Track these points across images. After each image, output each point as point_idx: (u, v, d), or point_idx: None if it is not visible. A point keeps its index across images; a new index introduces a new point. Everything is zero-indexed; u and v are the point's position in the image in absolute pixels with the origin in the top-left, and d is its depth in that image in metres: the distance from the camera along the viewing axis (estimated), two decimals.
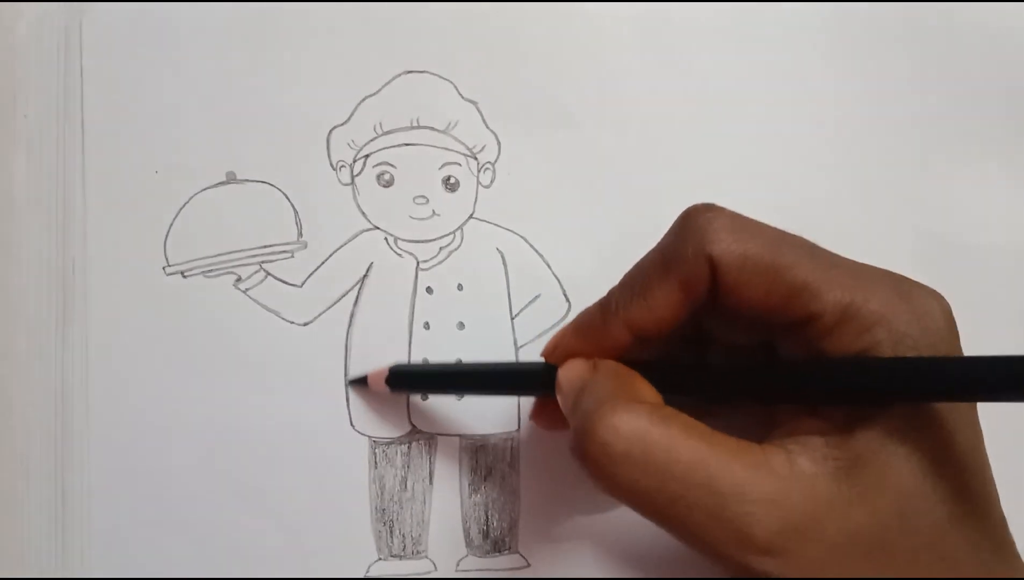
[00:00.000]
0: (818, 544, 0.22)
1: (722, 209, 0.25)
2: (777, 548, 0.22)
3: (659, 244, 0.27)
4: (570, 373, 0.27)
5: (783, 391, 0.25)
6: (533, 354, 0.34)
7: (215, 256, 0.33)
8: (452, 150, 0.34)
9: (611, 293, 0.28)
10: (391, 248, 0.34)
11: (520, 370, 0.32)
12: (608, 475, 0.23)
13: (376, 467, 0.34)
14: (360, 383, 0.33)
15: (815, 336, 0.24)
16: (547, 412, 0.31)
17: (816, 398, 0.24)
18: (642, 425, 0.23)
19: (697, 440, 0.23)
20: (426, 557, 0.34)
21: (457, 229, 0.34)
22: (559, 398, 0.28)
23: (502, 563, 0.34)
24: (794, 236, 0.25)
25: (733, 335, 0.27)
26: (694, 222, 0.25)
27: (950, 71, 0.35)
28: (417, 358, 0.34)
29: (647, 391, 0.25)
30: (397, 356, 0.34)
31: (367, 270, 0.34)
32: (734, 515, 0.22)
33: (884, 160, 0.35)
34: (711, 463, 0.23)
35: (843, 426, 0.23)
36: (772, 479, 0.23)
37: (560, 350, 0.29)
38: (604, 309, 0.27)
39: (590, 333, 0.28)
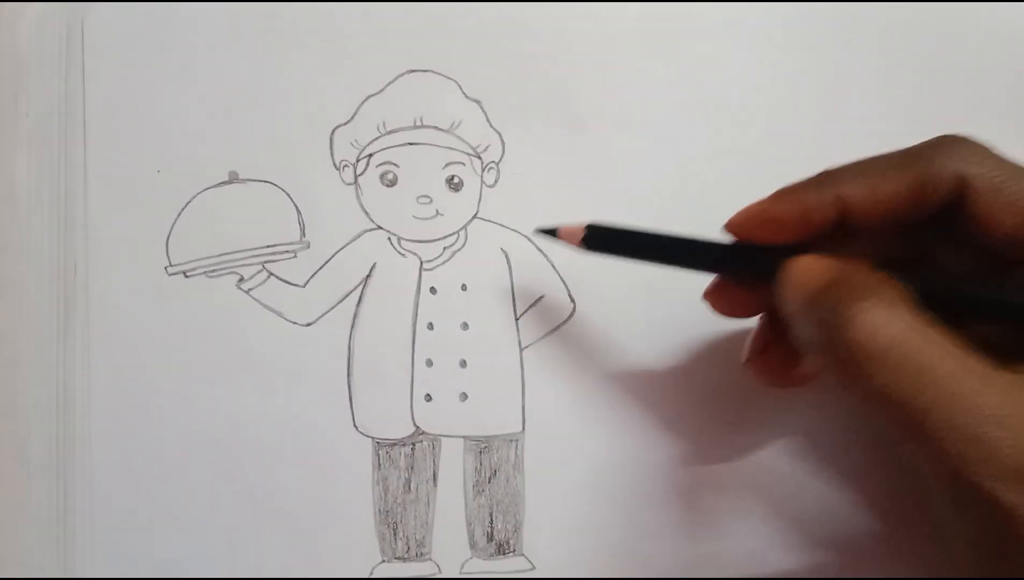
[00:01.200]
0: None
1: (979, 140, 0.25)
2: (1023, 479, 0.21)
3: (905, 148, 0.26)
4: (810, 265, 0.25)
5: None
6: (537, 354, 0.34)
7: (217, 256, 0.33)
8: (456, 149, 0.34)
9: (829, 167, 0.26)
10: (394, 248, 0.34)
11: (715, 246, 0.29)
12: (861, 374, 0.22)
13: (380, 469, 0.33)
14: (548, 233, 0.31)
15: None
16: (726, 295, 0.29)
17: None
18: (902, 329, 0.22)
19: (956, 356, 0.22)
20: (430, 559, 0.34)
21: (461, 229, 0.34)
22: (786, 291, 0.26)
23: (506, 566, 0.34)
24: None
25: (964, 265, 0.26)
26: (952, 142, 0.25)
27: (952, 72, 0.35)
28: (420, 360, 0.34)
29: (904, 293, 0.24)
30: (399, 357, 0.33)
31: (370, 270, 0.34)
32: (989, 438, 0.21)
33: None
34: (969, 381, 0.22)
35: None
36: (1022, 406, 0.22)
37: (753, 216, 0.27)
38: (820, 176, 0.26)
39: (794, 197, 0.26)
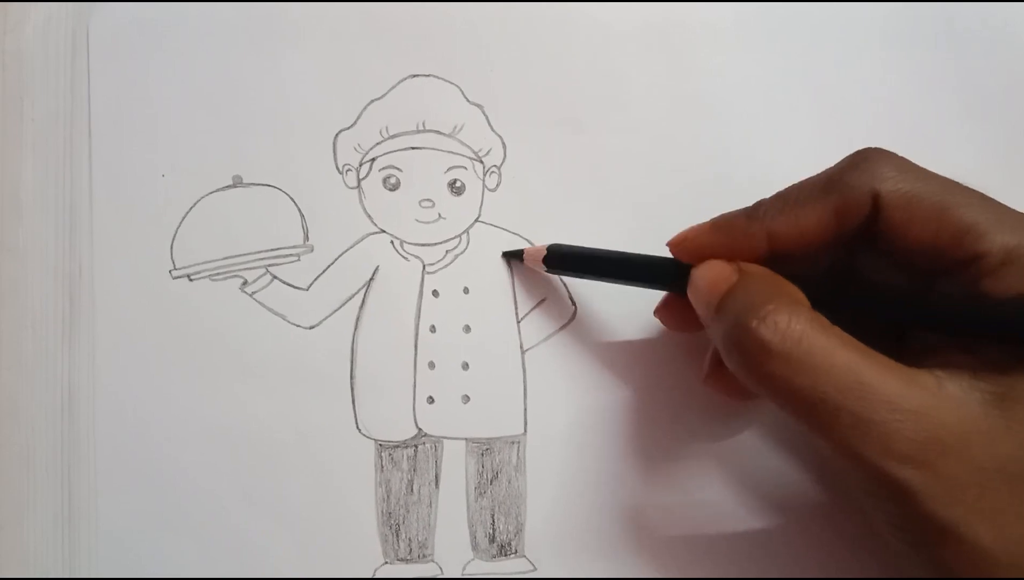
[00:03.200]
0: (961, 463, 0.23)
1: (894, 154, 0.26)
2: (920, 459, 0.23)
3: (824, 172, 0.27)
4: (710, 272, 0.28)
5: (941, 320, 0.25)
6: (538, 356, 0.34)
7: (221, 260, 0.33)
8: (458, 153, 0.34)
9: (760, 201, 0.28)
10: (397, 251, 0.34)
11: (650, 263, 0.31)
12: (764, 371, 0.24)
13: (382, 470, 0.34)
14: (515, 257, 0.33)
15: (977, 276, 0.24)
16: (674, 310, 0.31)
17: (974, 331, 0.25)
18: (803, 326, 0.24)
19: (852, 350, 0.24)
20: (432, 561, 0.34)
21: (463, 232, 0.34)
22: (692, 296, 0.28)
23: (508, 567, 0.34)
24: (962, 184, 0.26)
25: (887, 276, 0.28)
26: (865, 159, 0.26)
27: (951, 71, 0.35)
28: (423, 362, 0.34)
29: (802, 297, 0.26)
30: (402, 360, 0.34)
31: (373, 273, 0.34)
32: (882, 422, 0.23)
33: None
34: (865, 371, 0.23)
35: (993, 363, 0.24)
36: (922, 395, 0.23)
37: (691, 242, 0.29)
38: (750, 213, 0.28)
39: (728, 231, 0.28)
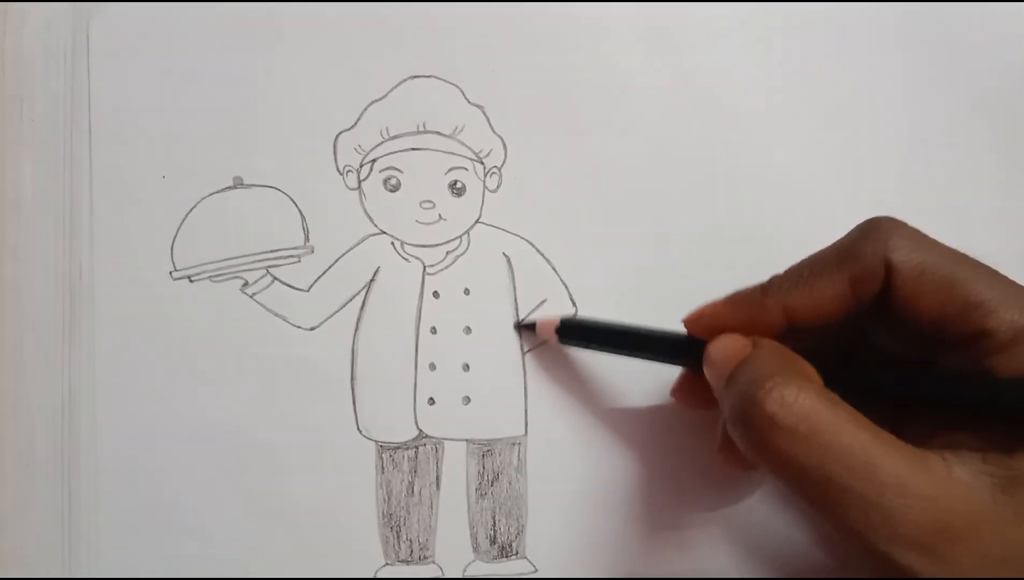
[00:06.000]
0: (971, 552, 0.22)
1: (905, 223, 0.26)
2: (928, 546, 0.22)
3: (835, 243, 0.27)
4: (726, 345, 0.27)
5: (947, 397, 0.25)
6: (539, 357, 0.34)
7: (222, 261, 0.33)
8: (459, 155, 0.34)
9: (774, 277, 0.28)
10: (398, 252, 0.34)
11: (666, 338, 0.31)
12: (770, 447, 0.23)
13: (383, 472, 0.34)
14: (528, 328, 0.33)
15: (985, 353, 0.24)
16: (691, 389, 0.31)
17: (983, 411, 0.24)
18: (811, 403, 0.23)
19: (861, 429, 0.23)
20: (433, 562, 0.34)
21: (464, 233, 0.34)
22: (707, 370, 0.28)
23: (509, 569, 0.34)
24: (973, 258, 0.26)
25: (896, 348, 0.28)
26: (877, 228, 0.26)
27: (951, 71, 0.35)
28: (424, 363, 0.34)
29: (812, 373, 0.26)
30: (403, 361, 0.34)
31: (374, 274, 0.34)
32: (890, 506, 0.22)
33: (886, 163, 0.35)
34: (873, 452, 0.23)
35: (1000, 445, 0.23)
36: (931, 479, 0.23)
37: (707, 319, 0.29)
38: (765, 288, 0.28)
39: (744, 307, 0.28)
